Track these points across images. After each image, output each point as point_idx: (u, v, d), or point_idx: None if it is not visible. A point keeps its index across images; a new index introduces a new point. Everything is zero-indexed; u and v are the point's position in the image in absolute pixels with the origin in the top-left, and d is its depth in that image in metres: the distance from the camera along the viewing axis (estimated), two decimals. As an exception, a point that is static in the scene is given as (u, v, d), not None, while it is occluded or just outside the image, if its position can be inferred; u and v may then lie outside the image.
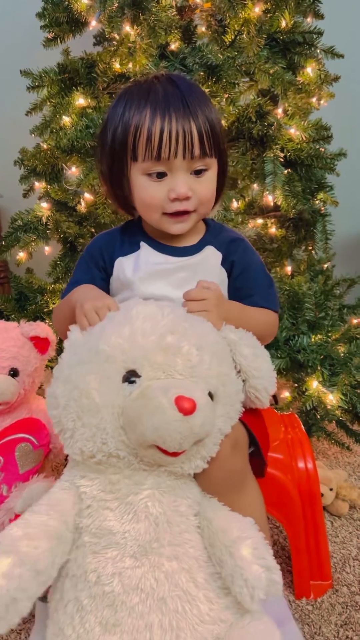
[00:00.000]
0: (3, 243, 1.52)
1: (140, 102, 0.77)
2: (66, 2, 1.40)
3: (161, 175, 0.78)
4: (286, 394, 1.41)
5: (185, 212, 0.80)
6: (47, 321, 1.45)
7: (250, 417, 0.78)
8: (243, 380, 0.73)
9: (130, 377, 0.64)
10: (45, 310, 1.50)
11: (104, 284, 0.87)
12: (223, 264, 0.85)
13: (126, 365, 0.65)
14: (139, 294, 0.81)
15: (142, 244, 0.86)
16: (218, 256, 0.85)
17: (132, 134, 0.77)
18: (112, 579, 0.63)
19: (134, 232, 0.89)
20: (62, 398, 0.67)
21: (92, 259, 0.88)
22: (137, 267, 0.84)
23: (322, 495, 1.14)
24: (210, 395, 0.66)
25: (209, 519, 0.68)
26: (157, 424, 0.60)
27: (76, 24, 1.46)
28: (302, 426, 1.12)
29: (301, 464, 1.00)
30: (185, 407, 0.59)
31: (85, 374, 0.65)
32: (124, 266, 0.85)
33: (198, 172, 0.79)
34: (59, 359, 0.71)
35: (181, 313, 0.71)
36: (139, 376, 0.64)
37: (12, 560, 0.58)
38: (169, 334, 0.65)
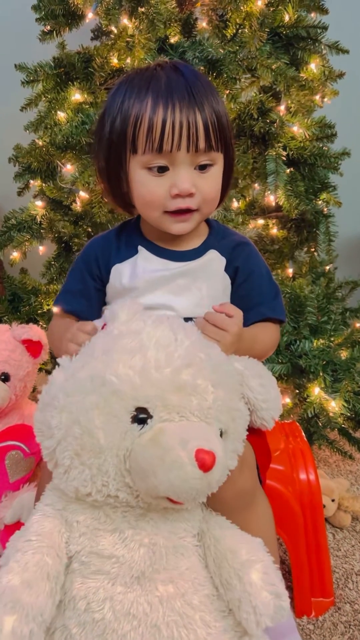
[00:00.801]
0: (-4, 242, 1.48)
1: (141, 91, 0.72)
2: (62, -6, 1.36)
3: (162, 170, 0.72)
4: (287, 401, 1.37)
5: (187, 211, 0.75)
6: (40, 323, 1.41)
7: (251, 435, 0.74)
8: (249, 408, 0.69)
9: (140, 414, 0.58)
10: (39, 311, 1.46)
11: (99, 294, 0.83)
12: (227, 269, 0.80)
13: (136, 403, 0.58)
14: None
15: (140, 248, 0.81)
16: (222, 261, 0.80)
17: (132, 124, 0.72)
18: (102, 605, 0.59)
19: (131, 234, 0.84)
20: (57, 430, 0.59)
21: (86, 267, 0.83)
22: (135, 274, 0.79)
23: (324, 506, 1.10)
24: (220, 432, 0.61)
25: (216, 538, 0.64)
26: (173, 481, 0.55)
27: (73, 17, 1.41)
28: (304, 435, 1.08)
29: (303, 476, 0.97)
30: (207, 463, 0.54)
31: (89, 409, 0.58)
32: (121, 274, 0.80)
33: (202, 167, 0.74)
34: (49, 379, 0.64)
35: (195, 338, 0.64)
36: (150, 415, 0.58)
37: (18, 617, 0.54)
38: (185, 369, 0.59)
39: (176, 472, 0.54)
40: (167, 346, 0.60)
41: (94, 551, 0.61)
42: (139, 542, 0.61)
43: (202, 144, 0.71)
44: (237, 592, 0.60)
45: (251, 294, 0.81)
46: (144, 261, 0.80)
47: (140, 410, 0.58)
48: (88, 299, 0.82)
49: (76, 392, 0.59)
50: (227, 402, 0.62)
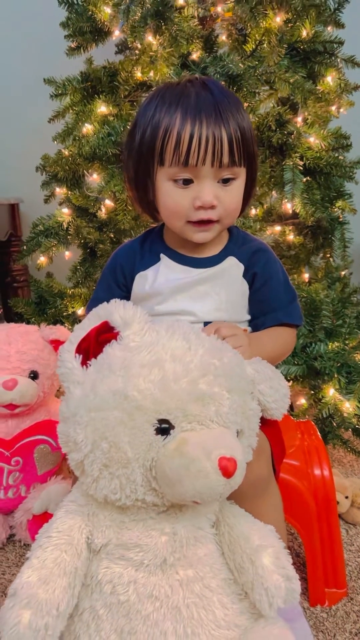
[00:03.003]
0: (24, 247, 1.55)
1: (171, 105, 0.76)
2: (90, 12, 1.42)
3: (187, 182, 0.76)
4: (302, 401, 1.41)
5: (209, 221, 0.79)
6: (66, 325, 1.47)
7: (266, 427, 0.78)
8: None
9: (162, 424, 0.61)
10: (64, 314, 1.52)
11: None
12: (245, 275, 0.84)
13: (158, 416, 0.60)
14: (159, 310, 0.81)
15: (162, 256, 0.85)
16: (240, 268, 0.84)
17: (161, 137, 0.76)
18: (127, 588, 0.64)
19: (154, 243, 0.88)
20: (84, 445, 0.62)
21: (112, 276, 0.88)
22: (157, 281, 0.83)
23: (338, 503, 1.13)
24: (237, 432, 0.65)
25: (230, 525, 0.68)
26: (200, 489, 0.58)
27: (99, 34, 1.48)
28: (319, 433, 1.12)
29: (317, 471, 1.00)
30: (230, 470, 0.58)
31: (115, 425, 0.60)
32: (144, 280, 0.85)
33: (225, 181, 0.77)
34: (65, 394, 0.65)
35: (208, 344, 0.66)
36: (172, 425, 0.61)
37: (33, 611, 0.58)
38: (201, 378, 0.62)
39: (202, 481, 0.57)
40: (182, 357, 0.62)
41: (119, 543, 0.65)
42: (161, 531, 0.65)
43: (225, 159, 0.75)
44: (250, 575, 0.65)
45: (268, 299, 0.84)
46: (166, 268, 0.84)
47: (163, 421, 0.60)
48: None
49: (99, 408, 0.61)
50: (241, 404, 0.65)
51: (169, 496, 0.62)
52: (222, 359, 0.65)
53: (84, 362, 0.65)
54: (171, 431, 0.60)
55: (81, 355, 0.65)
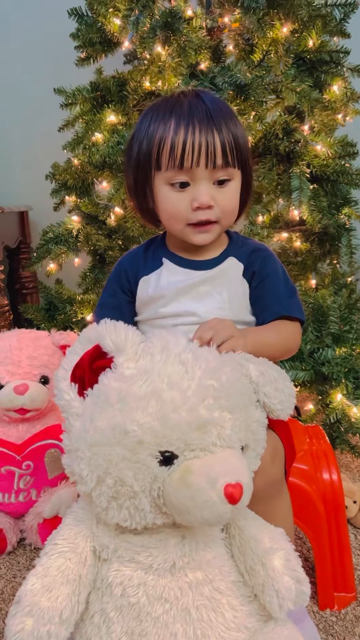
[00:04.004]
0: (34, 254, 1.57)
1: (165, 115, 0.79)
2: (99, 24, 1.45)
3: (184, 185, 0.79)
4: (310, 407, 1.41)
5: (208, 223, 0.80)
6: (76, 331, 1.49)
7: (277, 428, 0.79)
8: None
9: (165, 454, 0.60)
10: (74, 319, 1.54)
11: (130, 306, 0.89)
12: (244, 274, 0.85)
13: (160, 448, 0.60)
14: (163, 313, 0.83)
15: (164, 260, 0.87)
16: (239, 267, 0.85)
17: (157, 145, 0.78)
18: (137, 590, 0.64)
19: (157, 249, 0.90)
20: (89, 480, 0.62)
21: (118, 282, 0.90)
22: (159, 286, 0.85)
23: (346, 507, 1.14)
24: (242, 447, 0.64)
25: (240, 528, 0.69)
26: (207, 517, 0.58)
27: (109, 44, 1.51)
28: (327, 438, 1.12)
29: (326, 475, 1.01)
30: (236, 497, 0.57)
31: (118, 461, 0.60)
32: (147, 285, 0.87)
33: (221, 182, 0.79)
34: (67, 426, 0.64)
35: (204, 364, 0.63)
36: (175, 455, 0.60)
37: (36, 618, 0.59)
38: (201, 404, 0.60)
39: (208, 511, 0.57)
40: (179, 383, 0.61)
41: (129, 547, 0.65)
42: (171, 535, 0.65)
43: (219, 160, 0.77)
44: (261, 577, 0.65)
45: (266, 295, 0.84)
46: (168, 272, 0.86)
47: (165, 451, 0.60)
48: (120, 312, 0.89)
49: (100, 444, 0.60)
50: (244, 420, 0.63)
51: (178, 520, 0.62)
52: (220, 378, 0.63)
53: (80, 392, 0.64)
54: (175, 460, 0.60)
55: (77, 385, 0.64)
